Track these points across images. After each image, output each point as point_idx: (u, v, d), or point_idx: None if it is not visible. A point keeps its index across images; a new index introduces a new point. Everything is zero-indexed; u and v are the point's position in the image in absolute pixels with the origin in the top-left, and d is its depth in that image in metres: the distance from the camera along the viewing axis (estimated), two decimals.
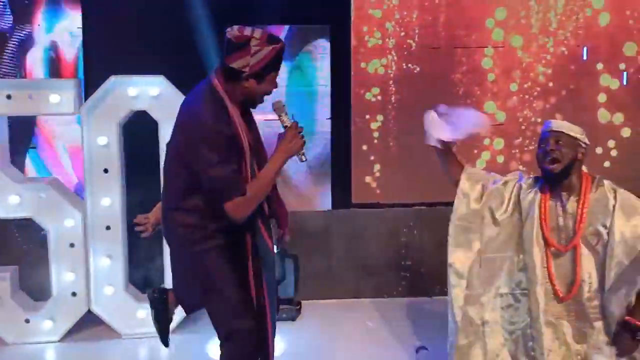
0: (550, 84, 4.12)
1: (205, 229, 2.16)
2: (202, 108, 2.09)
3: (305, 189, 4.03)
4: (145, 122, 3.43)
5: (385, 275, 4.08)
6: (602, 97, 4.15)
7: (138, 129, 3.53)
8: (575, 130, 2.44)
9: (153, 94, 3.37)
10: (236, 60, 2.04)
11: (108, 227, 3.38)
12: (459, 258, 2.53)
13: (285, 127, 2.18)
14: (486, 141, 4.10)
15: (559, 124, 2.48)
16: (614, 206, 2.38)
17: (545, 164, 2.41)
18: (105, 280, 3.40)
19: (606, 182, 2.46)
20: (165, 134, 3.32)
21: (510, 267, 2.50)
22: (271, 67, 2.09)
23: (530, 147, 4.09)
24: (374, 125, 4.07)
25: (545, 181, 2.48)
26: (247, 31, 2.04)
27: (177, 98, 3.31)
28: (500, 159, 4.13)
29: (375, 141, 4.07)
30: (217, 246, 2.17)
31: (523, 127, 4.13)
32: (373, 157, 4.08)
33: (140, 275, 3.71)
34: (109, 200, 3.38)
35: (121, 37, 3.74)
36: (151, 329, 3.13)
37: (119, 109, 3.38)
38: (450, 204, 4.00)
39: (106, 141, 3.35)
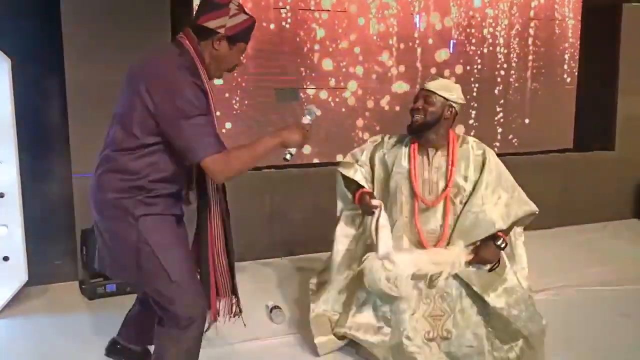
0: (391, 41, 4.32)
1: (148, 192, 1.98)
2: (175, 62, 1.93)
3: None
4: None
5: (237, 239, 3.99)
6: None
7: None
8: (447, 90, 2.55)
9: None
10: (213, 19, 1.98)
11: None
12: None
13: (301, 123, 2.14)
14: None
15: (433, 83, 2.57)
16: (483, 164, 2.56)
17: (411, 117, 2.57)
18: None
19: (470, 139, 2.65)
20: None
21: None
22: (243, 35, 2.04)
23: (373, 97, 4.33)
24: (218, 82, 3.91)
25: (410, 134, 2.62)
26: None
27: None
28: (351, 101, 4.32)
29: (226, 94, 3.94)
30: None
31: (360, 79, 4.29)
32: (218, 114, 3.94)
33: None
34: None
35: None
36: None
37: None
38: (301, 166, 4.13)
39: None
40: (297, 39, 4.07)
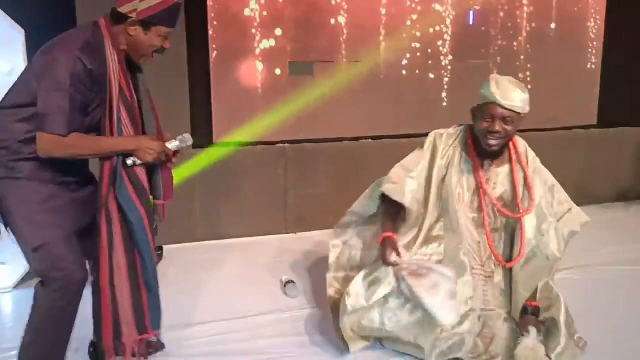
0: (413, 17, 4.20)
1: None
2: (76, 36, 1.95)
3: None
4: None
5: (251, 215, 4.00)
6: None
7: None
8: (526, 104, 2.26)
9: None
10: (125, 4, 1.97)
11: None
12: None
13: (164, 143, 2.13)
14: None
15: (513, 98, 2.21)
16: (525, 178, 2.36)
17: (487, 139, 2.29)
18: None
19: (521, 142, 2.43)
20: None
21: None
22: (160, 19, 1.99)
23: (389, 67, 4.18)
24: None
25: (484, 157, 2.40)
26: None
27: (5, 26, 2.89)
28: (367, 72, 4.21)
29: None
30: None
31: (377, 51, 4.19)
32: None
33: None
34: None
35: None
36: None
37: None
38: (314, 141, 4.08)
39: None
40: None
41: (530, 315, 2.36)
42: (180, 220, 3.80)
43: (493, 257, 2.42)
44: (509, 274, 2.44)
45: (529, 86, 4.55)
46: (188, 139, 2.18)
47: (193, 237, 3.86)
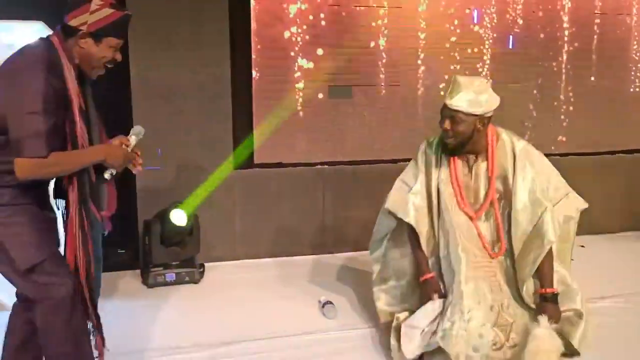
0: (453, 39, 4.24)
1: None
2: (36, 55, 1.94)
3: (207, 149, 3.86)
4: None
5: (290, 235, 4.06)
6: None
7: None
8: (472, 105, 2.33)
9: None
10: (75, 17, 1.98)
11: None
12: None
13: (126, 146, 2.18)
14: None
15: (457, 98, 2.33)
16: (514, 166, 2.43)
17: (444, 137, 2.43)
18: None
19: (503, 133, 2.51)
20: None
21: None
22: (110, 30, 2.02)
23: (428, 90, 4.23)
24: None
25: (447, 154, 2.52)
26: None
27: None
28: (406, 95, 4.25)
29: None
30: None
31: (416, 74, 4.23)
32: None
33: None
34: None
35: None
36: None
37: None
38: (353, 163, 4.11)
39: None
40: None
41: (549, 303, 2.37)
42: (221, 239, 3.89)
43: (499, 245, 2.48)
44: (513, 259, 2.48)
45: (571, 108, 4.54)
46: (140, 130, 2.23)
47: (233, 255, 3.94)
